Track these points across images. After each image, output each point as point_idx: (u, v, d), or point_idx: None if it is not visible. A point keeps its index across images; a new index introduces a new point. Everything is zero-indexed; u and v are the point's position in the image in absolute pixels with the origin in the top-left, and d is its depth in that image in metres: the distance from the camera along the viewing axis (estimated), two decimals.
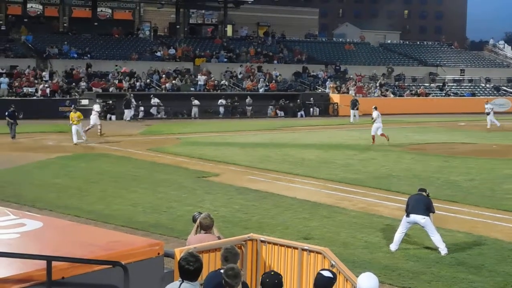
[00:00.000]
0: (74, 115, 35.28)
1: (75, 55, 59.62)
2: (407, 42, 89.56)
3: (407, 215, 15.67)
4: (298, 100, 58.27)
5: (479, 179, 25.24)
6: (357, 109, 52.86)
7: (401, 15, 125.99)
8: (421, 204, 15.64)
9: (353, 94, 62.05)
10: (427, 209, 15.54)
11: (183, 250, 8.92)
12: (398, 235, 15.70)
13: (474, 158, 31.42)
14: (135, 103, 50.39)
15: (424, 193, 16.04)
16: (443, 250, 15.21)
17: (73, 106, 38.08)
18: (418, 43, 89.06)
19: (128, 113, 49.04)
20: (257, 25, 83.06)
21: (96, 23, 67.55)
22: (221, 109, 55.73)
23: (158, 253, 8.23)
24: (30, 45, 59.98)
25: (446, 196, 21.44)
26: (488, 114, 47.96)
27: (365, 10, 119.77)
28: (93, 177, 24.81)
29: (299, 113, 57.19)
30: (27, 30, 61.87)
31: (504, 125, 47.74)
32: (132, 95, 50.32)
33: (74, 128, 35.02)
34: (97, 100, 45.05)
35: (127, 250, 7.91)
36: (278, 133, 41.96)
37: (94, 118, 39.07)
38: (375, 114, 36.77)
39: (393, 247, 15.54)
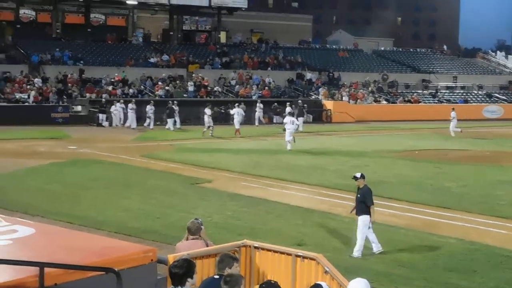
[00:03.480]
0: None
1: (68, 61, 59.54)
2: (400, 49, 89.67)
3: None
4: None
5: (472, 185, 25.32)
6: (303, 116, 51.19)
7: (395, 22, 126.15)
8: (361, 201, 15.91)
9: (348, 101, 62.29)
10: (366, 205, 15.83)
11: (176, 256, 8.92)
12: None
13: (466, 165, 31.56)
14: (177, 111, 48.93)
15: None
16: (355, 252, 15.62)
17: None
18: (411, 50, 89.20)
19: (171, 122, 48.03)
20: (250, 31, 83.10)
21: (89, 29, 67.49)
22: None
23: (151, 260, 8.20)
24: (22, 51, 59.89)
25: (439, 202, 21.54)
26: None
27: (358, 17, 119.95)
28: (86, 184, 24.74)
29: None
30: (12, 30, 61.84)
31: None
32: (175, 102, 49.27)
33: None
34: (207, 104, 45.78)
35: (120, 257, 7.88)
36: (271, 139, 41.95)
37: (208, 120, 43.68)
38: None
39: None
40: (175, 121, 48.38)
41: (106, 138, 41.16)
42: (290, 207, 20.73)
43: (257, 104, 54.00)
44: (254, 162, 31.06)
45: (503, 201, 21.98)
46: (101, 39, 67.00)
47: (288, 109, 43.46)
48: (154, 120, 49.24)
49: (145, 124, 49.15)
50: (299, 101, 53.31)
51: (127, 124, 49.27)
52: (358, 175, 16.08)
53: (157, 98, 53.98)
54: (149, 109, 49.15)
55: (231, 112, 46.09)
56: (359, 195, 15.93)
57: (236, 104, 47.87)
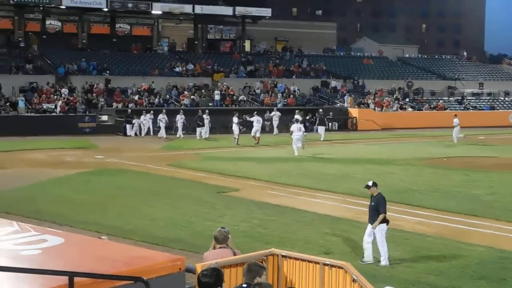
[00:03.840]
0: None
1: (94, 72, 59.98)
2: (425, 56, 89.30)
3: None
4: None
5: (501, 193, 25.07)
6: (324, 125, 49.50)
7: (419, 28, 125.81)
8: (374, 209, 15.72)
9: (373, 109, 62.07)
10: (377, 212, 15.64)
11: (204, 265, 8.91)
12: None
13: (495, 172, 31.26)
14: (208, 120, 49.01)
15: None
16: (382, 261, 15.38)
17: None
18: (436, 56, 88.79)
19: (200, 132, 47.86)
20: (275, 40, 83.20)
21: (114, 39, 68.03)
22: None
23: (180, 269, 8.17)
24: (48, 62, 60.43)
25: (467, 210, 21.36)
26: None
27: (382, 24, 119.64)
28: (113, 193, 24.87)
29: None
30: (38, 40, 62.51)
31: None
32: (206, 111, 49.17)
33: None
34: (234, 112, 46.90)
35: (149, 266, 7.86)
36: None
37: (236, 129, 44.72)
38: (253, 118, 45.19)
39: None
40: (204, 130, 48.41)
41: (133, 148, 41.33)
42: (317, 215, 20.66)
43: (273, 112, 53.33)
44: (280, 171, 31.01)
45: None
46: (127, 49, 67.43)
47: (296, 116, 43.29)
48: (182, 129, 49.46)
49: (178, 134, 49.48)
50: (320, 110, 52.61)
51: (159, 134, 49.02)
52: (370, 183, 15.94)
53: (183, 107, 54.13)
54: (179, 118, 49.22)
55: (251, 119, 45.99)
56: (373, 203, 15.76)
57: (255, 112, 47.68)
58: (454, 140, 46.38)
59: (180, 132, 49.09)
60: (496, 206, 22.29)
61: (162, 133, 48.63)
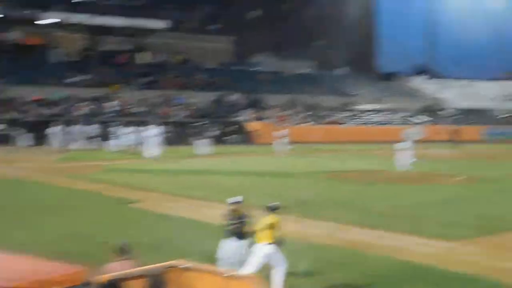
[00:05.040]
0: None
1: None
2: (322, 72, 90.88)
3: None
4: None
5: (399, 205, 25.46)
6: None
7: (316, 45, 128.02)
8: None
9: (272, 123, 62.57)
10: None
11: (104, 278, 8.60)
12: None
13: (391, 185, 31.83)
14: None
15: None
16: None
17: None
18: (332, 72, 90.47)
19: (113, 143, 47.62)
20: (172, 52, 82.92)
21: (6, 48, 66.17)
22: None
23: (79, 282, 7.83)
24: None
25: (367, 222, 21.53)
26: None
27: (280, 40, 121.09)
28: (7, 205, 23.88)
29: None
30: None
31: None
32: (119, 124, 48.92)
33: None
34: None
35: (48, 279, 7.47)
36: (198, 160, 41.71)
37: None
38: None
39: None
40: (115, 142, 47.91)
41: (28, 158, 40.33)
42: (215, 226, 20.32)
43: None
44: (182, 183, 30.71)
45: (431, 221, 22.10)
46: (19, 58, 65.68)
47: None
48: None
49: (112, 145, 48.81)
50: (202, 124, 52.69)
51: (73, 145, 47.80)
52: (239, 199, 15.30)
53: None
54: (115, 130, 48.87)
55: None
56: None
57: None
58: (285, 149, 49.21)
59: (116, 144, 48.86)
60: (395, 218, 22.57)
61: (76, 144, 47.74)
